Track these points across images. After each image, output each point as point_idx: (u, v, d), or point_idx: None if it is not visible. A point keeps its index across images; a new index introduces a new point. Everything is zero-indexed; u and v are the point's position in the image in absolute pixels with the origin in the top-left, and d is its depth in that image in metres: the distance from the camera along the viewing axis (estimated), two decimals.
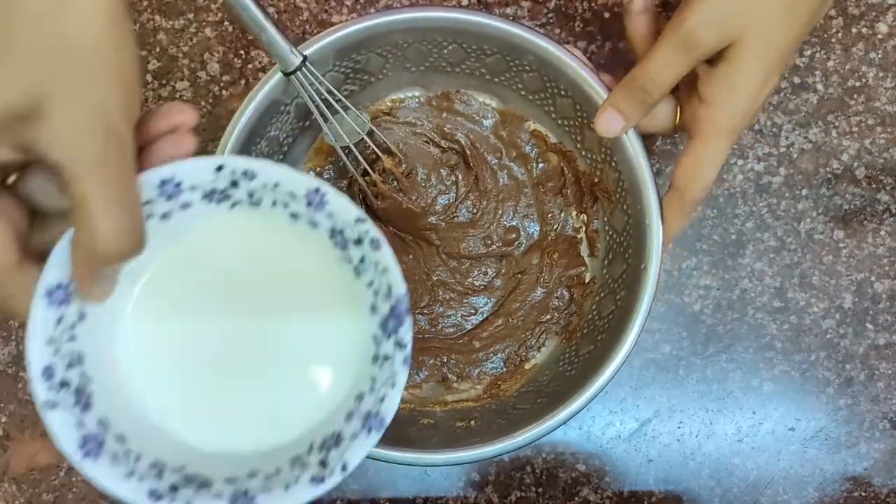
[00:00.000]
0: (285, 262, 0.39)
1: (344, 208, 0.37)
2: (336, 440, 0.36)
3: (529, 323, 0.55)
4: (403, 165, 0.53)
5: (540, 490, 0.57)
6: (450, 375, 0.55)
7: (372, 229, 0.37)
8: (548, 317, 0.55)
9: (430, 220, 0.54)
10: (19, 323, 0.56)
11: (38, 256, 0.32)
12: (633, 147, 0.47)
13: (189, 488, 0.35)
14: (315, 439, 0.37)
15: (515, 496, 0.57)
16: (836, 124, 0.57)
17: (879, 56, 0.57)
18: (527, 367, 0.55)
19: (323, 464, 0.36)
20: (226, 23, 0.56)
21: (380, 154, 0.52)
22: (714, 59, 0.41)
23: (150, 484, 0.34)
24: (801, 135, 0.57)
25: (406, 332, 0.37)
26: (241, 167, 0.36)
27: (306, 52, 0.45)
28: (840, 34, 0.57)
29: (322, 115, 0.48)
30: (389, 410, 0.36)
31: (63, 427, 0.33)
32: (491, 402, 0.54)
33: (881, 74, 0.57)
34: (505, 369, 0.55)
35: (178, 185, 0.35)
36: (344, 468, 0.35)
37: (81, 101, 0.29)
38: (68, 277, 0.33)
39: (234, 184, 0.36)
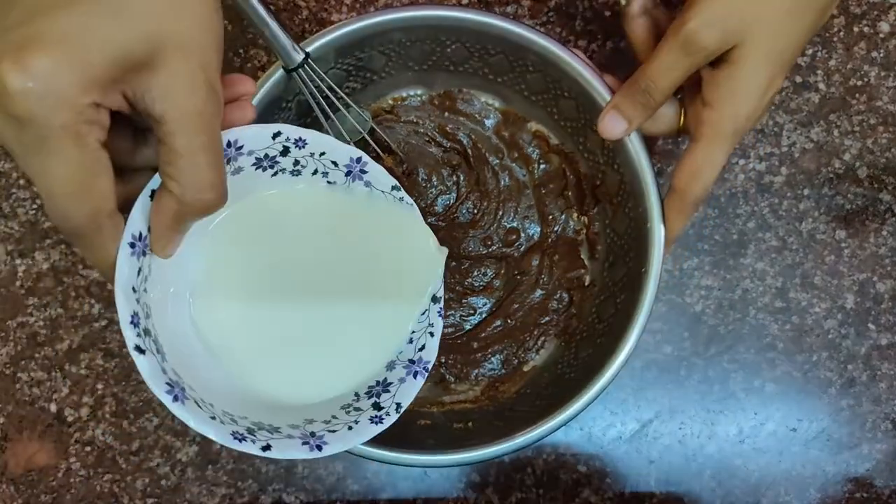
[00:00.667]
0: (325, 224, 0.42)
1: (381, 176, 0.41)
2: (384, 386, 0.41)
3: (528, 324, 0.55)
4: (404, 165, 0.53)
5: (541, 491, 0.57)
6: (448, 376, 0.54)
7: (406, 196, 0.41)
8: (547, 319, 0.55)
9: (430, 220, 0.54)
10: (17, 323, 0.55)
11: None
12: (636, 149, 0.46)
13: (263, 431, 0.37)
14: (359, 390, 0.41)
15: (516, 497, 0.57)
16: (838, 124, 0.57)
17: (881, 55, 0.57)
18: (525, 369, 0.54)
19: (377, 406, 0.40)
20: (224, 21, 0.56)
21: (381, 153, 0.52)
22: (717, 62, 0.40)
23: (230, 427, 0.36)
24: (803, 134, 0.57)
25: (440, 289, 0.42)
26: (295, 135, 0.39)
27: (308, 50, 0.45)
28: (842, 33, 0.57)
29: (323, 112, 0.47)
30: (431, 357, 0.41)
31: (153, 372, 0.34)
32: (489, 404, 0.53)
33: (883, 74, 0.57)
34: (503, 371, 0.54)
35: (239, 148, 0.37)
36: (398, 408, 0.39)
37: (191, 57, 0.30)
38: (146, 230, 0.34)
39: (285, 150, 0.39)
